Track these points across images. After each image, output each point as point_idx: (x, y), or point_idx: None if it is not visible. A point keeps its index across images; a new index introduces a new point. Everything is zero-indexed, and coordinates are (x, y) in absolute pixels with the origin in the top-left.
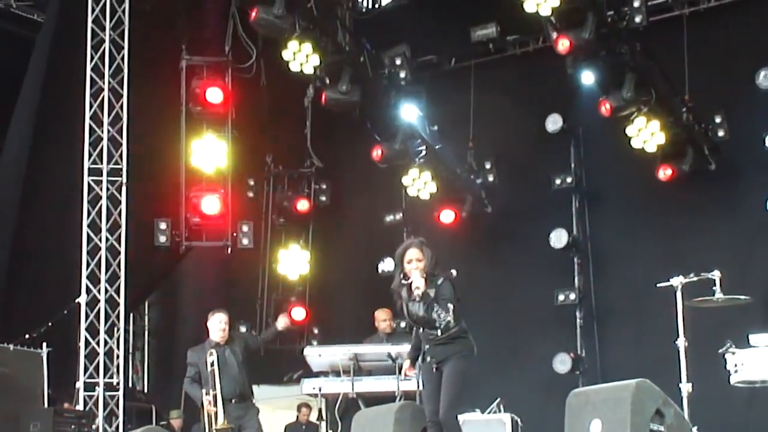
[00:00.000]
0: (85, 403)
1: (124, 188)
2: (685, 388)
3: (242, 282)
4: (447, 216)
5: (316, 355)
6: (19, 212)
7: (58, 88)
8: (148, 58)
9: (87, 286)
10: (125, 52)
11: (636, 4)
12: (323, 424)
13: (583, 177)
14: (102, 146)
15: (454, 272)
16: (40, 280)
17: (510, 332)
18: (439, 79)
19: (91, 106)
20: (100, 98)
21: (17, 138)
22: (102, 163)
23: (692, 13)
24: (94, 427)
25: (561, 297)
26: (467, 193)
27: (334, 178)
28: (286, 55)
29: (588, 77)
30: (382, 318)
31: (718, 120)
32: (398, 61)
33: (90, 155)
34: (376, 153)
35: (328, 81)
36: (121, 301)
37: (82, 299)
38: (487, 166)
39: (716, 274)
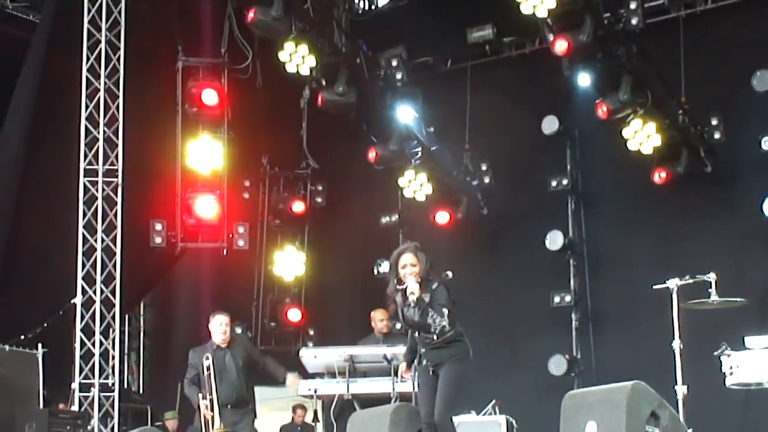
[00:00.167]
0: (81, 404)
1: (119, 189)
2: (681, 390)
3: (238, 283)
4: (443, 218)
5: (312, 356)
6: (14, 213)
7: (54, 89)
8: (144, 59)
9: (82, 287)
10: (121, 52)
11: (632, 7)
12: (319, 425)
13: (579, 179)
14: (98, 147)
15: (449, 274)
16: (35, 281)
17: (505, 334)
18: (436, 81)
19: (86, 107)
20: (96, 99)
21: (13, 139)
22: (98, 164)
23: (688, 16)
24: (89, 428)
25: (557, 299)
26: (463, 195)
27: (330, 179)
28: (282, 56)
29: (584, 79)
30: (379, 318)
31: (714, 122)
32: (394, 63)
33: (86, 156)
34: (372, 154)
35: (324, 82)
36: (117, 302)
37: (78, 300)
38: (483, 167)
39: (712, 277)
